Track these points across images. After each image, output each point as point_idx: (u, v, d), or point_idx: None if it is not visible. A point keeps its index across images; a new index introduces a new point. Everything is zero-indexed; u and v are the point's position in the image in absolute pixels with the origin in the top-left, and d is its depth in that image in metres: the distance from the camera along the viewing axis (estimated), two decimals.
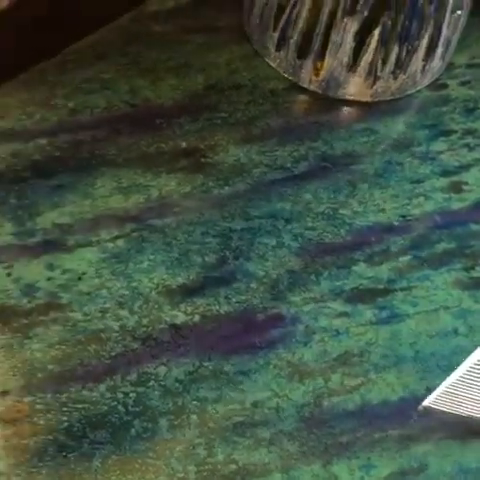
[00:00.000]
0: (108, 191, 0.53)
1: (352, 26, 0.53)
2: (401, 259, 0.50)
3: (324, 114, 0.58)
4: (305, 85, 0.58)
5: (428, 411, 0.45)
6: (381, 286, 0.49)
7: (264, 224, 0.52)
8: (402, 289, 0.49)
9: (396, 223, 0.52)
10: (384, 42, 0.53)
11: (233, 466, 0.43)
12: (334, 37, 0.54)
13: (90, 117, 0.56)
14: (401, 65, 0.55)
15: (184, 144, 0.55)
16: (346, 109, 0.58)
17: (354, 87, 0.57)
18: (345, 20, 0.52)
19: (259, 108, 0.58)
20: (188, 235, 0.51)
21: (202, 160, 0.55)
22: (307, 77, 0.57)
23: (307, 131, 0.57)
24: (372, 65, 0.55)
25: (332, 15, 0.53)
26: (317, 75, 0.56)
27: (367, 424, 0.44)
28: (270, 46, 0.58)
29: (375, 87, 0.56)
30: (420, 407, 0.45)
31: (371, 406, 0.45)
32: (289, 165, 0.55)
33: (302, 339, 0.47)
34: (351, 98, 0.57)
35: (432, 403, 0.45)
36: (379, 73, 0.55)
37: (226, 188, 0.53)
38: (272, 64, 0.59)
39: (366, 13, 0.52)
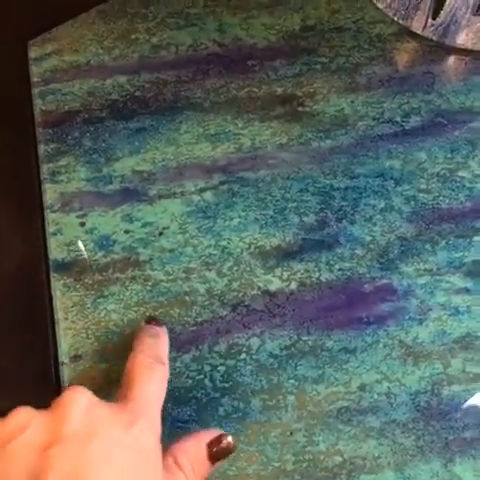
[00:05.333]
0: (194, 138, 0.46)
1: None
2: None
3: (438, 64, 0.50)
4: (418, 30, 0.51)
5: None
6: None
7: (371, 184, 0.45)
8: None
9: None
10: None
11: (338, 458, 0.37)
12: None
13: (175, 55, 0.50)
14: None
15: (279, 90, 0.49)
16: (464, 59, 0.50)
17: (476, 34, 0.49)
18: None
19: (364, 54, 0.51)
20: (284, 191, 0.44)
21: (300, 109, 0.48)
22: (421, 21, 0.50)
23: (418, 82, 0.49)
24: None
25: None
26: (435, 18, 0.49)
27: None
28: None
29: None
30: None
31: None
32: (399, 119, 0.48)
33: (416, 316, 0.40)
34: (470, 47, 0.50)
35: None
36: None
37: (327, 141, 0.46)
38: (379, 5, 0.52)
39: None
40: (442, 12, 0.49)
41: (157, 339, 0.37)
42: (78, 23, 0.51)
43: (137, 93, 0.48)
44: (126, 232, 0.43)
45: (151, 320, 0.38)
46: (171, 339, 0.39)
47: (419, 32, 0.51)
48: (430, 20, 0.50)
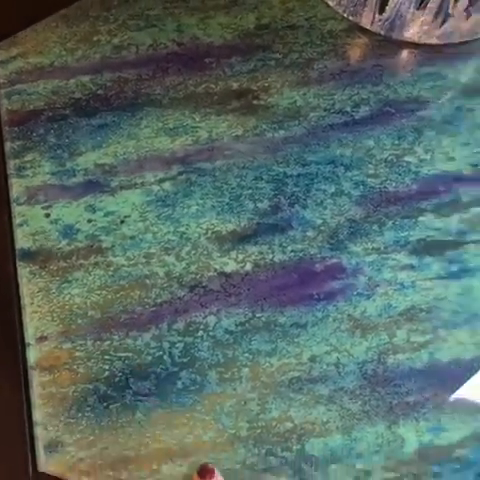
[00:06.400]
0: (153, 132, 0.49)
1: None
2: (473, 210, 0.46)
3: (387, 57, 0.53)
4: (367, 26, 0.54)
5: None
6: (450, 238, 0.45)
7: (322, 170, 0.47)
8: (474, 242, 0.45)
9: (466, 172, 0.48)
10: None
11: (289, 424, 0.39)
12: None
13: (135, 55, 0.52)
14: (475, 1, 0.50)
15: (235, 85, 0.51)
16: (411, 52, 0.53)
17: (421, 27, 0.52)
18: None
19: (316, 50, 0.53)
20: (240, 179, 0.47)
21: (254, 102, 0.50)
22: (369, 16, 0.53)
23: (368, 75, 0.52)
24: (444, 1, 0.50)
25: None
26: (381, 13, 0.52)
27: (436, 384, 0.40)
28: None
29: (444, 28, 0.52)
30: None
31: (441, 365, 0.41)
32: (349, 109, 0.50)
33: (364, 292, 0.43)
34: (416, 40, 0.53)
35: None
36: (450, 10, 0.50)
37: (281, 132, 0.49)
38: (330, 3, 0.55)
39: None
40: (387, 7, 0.51)
41: None
42: (42, 27, 0.53)
43: (99, 91, 0.50)
44: (89, 221, 0.45)
45: (205, 473, 0.35)
46: (132, 319, 0.42)
47: (368, 27, 0.54)
48: (377, 15, 0.52)
